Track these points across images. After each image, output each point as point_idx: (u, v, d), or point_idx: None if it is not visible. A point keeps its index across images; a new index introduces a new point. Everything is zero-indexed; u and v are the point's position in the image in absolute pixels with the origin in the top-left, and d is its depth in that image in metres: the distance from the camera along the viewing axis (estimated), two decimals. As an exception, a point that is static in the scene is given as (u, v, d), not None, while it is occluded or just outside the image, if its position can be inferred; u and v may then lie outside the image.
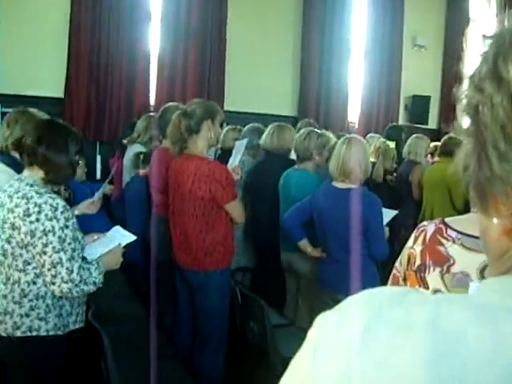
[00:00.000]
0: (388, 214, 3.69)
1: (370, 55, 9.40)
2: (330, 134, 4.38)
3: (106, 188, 4.19)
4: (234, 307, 3.65)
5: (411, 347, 0.51)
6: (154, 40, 7.37)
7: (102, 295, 2.66)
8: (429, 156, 6.45)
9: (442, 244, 1.46)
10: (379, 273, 3.45)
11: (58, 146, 2.39)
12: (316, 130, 4.43)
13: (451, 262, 1.43)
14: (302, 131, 4.34)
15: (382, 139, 6.55)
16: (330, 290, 3.38)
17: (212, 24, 7.72)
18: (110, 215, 4.71)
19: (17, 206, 2.29)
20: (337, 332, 0.58)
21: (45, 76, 6.88)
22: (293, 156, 4.48)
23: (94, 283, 2.39)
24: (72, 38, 6.92)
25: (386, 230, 3.53)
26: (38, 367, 2.39)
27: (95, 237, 2.70)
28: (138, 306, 3.96)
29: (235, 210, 3.39)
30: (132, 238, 2.78)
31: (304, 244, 3.76)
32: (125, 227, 3.11)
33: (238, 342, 3.75)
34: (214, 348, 3.50)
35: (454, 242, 1.45)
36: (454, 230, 1.46)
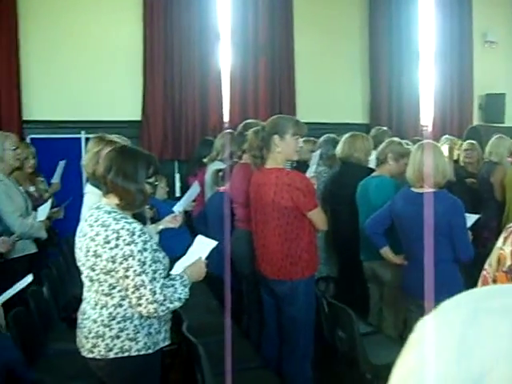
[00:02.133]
0: (470, 219, 3.64)
1: (440, 56, 9.24)
2: (410, 146, 4.35)
3: (190, 205, 4.31)
4: (321, 316, 3.69)
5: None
6: (224, 58, 7.52)
7: (193, 310, 2.74)
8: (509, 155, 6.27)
9: None
10: (463, 277, 3.41)
11: (126, 174, 2.42)
12: (396, 138, 4.42)
13: None
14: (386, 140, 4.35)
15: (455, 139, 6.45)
16: (414, 296, 3.37)
17: (279, 39, 7.83)
18: (192, 231, 4.85)
19: (97, 234, 2.36)
20: (437, 333, 0.60)
21: (122, 101, 7.19)
22: (370, 164, 4.50)
23: (180, 299, 2.43)
24: (146, 62, 7.19)
25: (469, 233, 3.49)
26: None
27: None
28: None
29: (318, 217, 3.44)
30: (214, 243, 2.77)
31: (386, 251, 3.76)
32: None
33: (326, 351, 3.78)
34: (300, 356, 3.54)
35: None
36: None
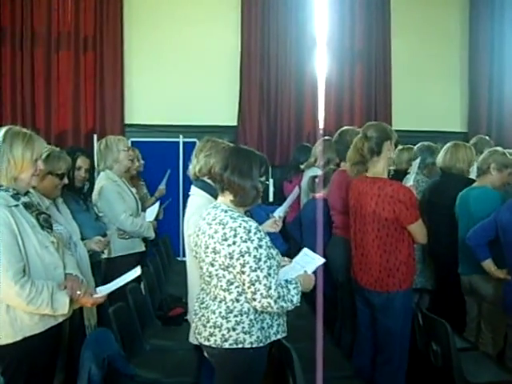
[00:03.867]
0: None
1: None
2: None
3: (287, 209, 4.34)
4: (415, 328, 3.62)
5: None
6: (320, 64, 7.53)
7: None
8: None
9: None
10: None
11: (242, 171, 2.54)
12: (499, 148, 4.27)
13: None
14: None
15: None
16: (513, 313, 3.24)
17: (376, 45, 7.77)
18: (285, 236, 4.88)
19: (215, 231, 2.50)
20: None
21: (220, 107, 7.36)
22: (471, 175, 4.37)
23: (292, 301, 2.51)
24: (243, 68, 7.34)
25: None
26: (242, 375, 2.60)
27: (286, 259, 2.82)
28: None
29: (418, 230, 3.39)
30: (322, 260, 2.81)
31: (488, 264, 3.64)
32: (301, 249, 3.20)
33: (420, 364, 3.70)
34: (394, 368, 3.50)
35: None
36: None
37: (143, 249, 4.54)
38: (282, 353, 2.86)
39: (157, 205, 4.72)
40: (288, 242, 4.94)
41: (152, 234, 4.54)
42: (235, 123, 7.39)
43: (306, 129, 7.42)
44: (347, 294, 3.93)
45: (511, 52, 8.47)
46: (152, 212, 4.63)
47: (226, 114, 7.38)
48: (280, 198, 5.93)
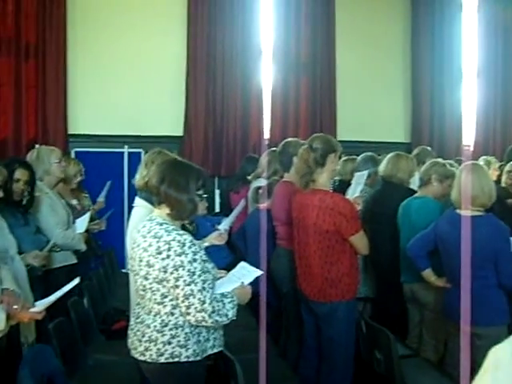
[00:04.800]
0: (515, 243, 3.56)
1: (483, 75, 9.11)
2: (453, 168, 4.30)
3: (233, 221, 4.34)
4: (359, 337, 3.66)
5: None
6: (266, 75, 7.57)
7: (230, 326, 2.75)
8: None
9: None
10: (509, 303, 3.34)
11: (178, 185, 2.54)
12: (440, 159, 4.38)
13: None
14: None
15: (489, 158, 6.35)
16: (455, 320, 3.31)
17: (321, 56, 7.86)
18: (230, 246, 4.87)
19: (150, 245, 2.48)
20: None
21: (166, 117, 7.32)
22: (412, 186, 4.46)
23: (227, 315, 2.50)
24: (189, 79, 7.31)
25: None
26: None
27: (222, 272, 2.82)
28: (263, 337, 4.04)
29: (359, 242, 3.43)
30: (259, 272, 2.83)
31: (428, 273, 3.71)
32: (246, 258, 3.22)
33: (363, 372, 3.74)
34: (339, 378, 3.52)
35: None
36: None
37: (74, 261, 4.42)
38: (227, 365, 2.84)
39: (87, 216, 4.60)
40: (234, 253, 4.92)
41: (83, 247, 4.45)
42: (181, 133, 7.34)
43: (252, 139, 7.44)
44: (292, 304, 3.94)
45: (451, 65, 8.73)
46: (82, 223, 4.51)
47: (172, 125, 7.33)
48: (227, 209, 5.92)
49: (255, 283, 2.95)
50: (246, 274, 2.80)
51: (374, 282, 4.73)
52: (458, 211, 3.41)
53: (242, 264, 2.89)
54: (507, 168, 5.92)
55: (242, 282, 2.71)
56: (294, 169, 3.84)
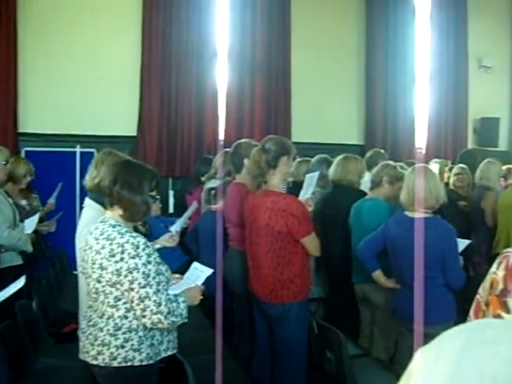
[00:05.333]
0: (461, 244, 3.65)
1: (435, 79, 9.31)
2: (404, 170, 4.37)
3: (185, 223, 4.32)
4: (310, 337, 3.68)
5: (503, 356, 0.59)
6: (221, 76, 7.55)
7: (183, 327, 2.74)
8: (501, 179, 6.30)
9: None
10: (457, 301, 3.41)
11: (131, 186, 2.52)
12: (391, 162, 4.45)
13: None
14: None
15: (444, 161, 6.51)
16: (405, 320, 3.37)
17: (276, 58, 7.88)
18: (184, 248, 4.84)
19: (102, 247, 2.45)
20: (436, 361, 0.64)
21: (119, 117, 7.21)
22: (362, 187, 4.51)
23: (181, 315, 2.50)
24: (143, 78, 7.23)
25: (460, 258, 3.50)
26: None
27: (176, 276, 2.80)
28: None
29: (311, 243, 3.46)
30: (209, 271, 2.84)
31: (378, 275, 3.76)
32: (199, 259, 3.22)
33: (315, 372, 3.76)
34: (292, 378, 3.54)
35: None
36: None
37: (20, 262, 4.35)
38: (177, 368, 2.82)
39: (36, 217, 4.52)
40: (188, 254, 4.90)
41: (29, 248, 4.37)
42: (135, 134, 7.26)
43: (207, 140, 7.41)
44: (244, 305, 3.94)
45: (404, 69, 8.87)
46: (30, 224, 4.43)
47: (126, 124, 7.23)
48: (181, 210, 5.87)
49: (207, 284, 2.96)
50: (199, 274, 2.80)
51: (326, 282, 4.77)
52: (406, 213, 3.47)
53: (195, 264, 2.88)
54: (455, 171, 6.08)
55: (196, 284, 2.72)
56: (245, 170, 3.84)
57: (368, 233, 3.83)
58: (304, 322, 3.55)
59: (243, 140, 4.36)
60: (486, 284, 1.60)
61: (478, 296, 1.63)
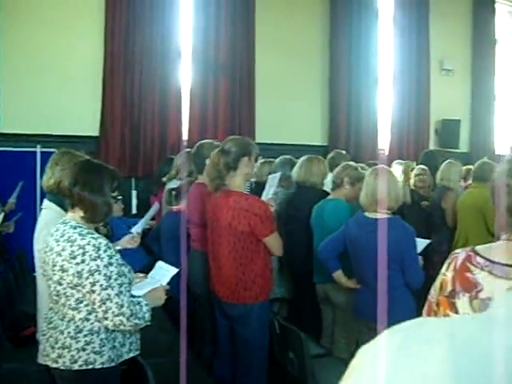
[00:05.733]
0: (421, 244, 3.70)
1: (398, 82, 9.45)
2: (365, 171, 4.42)
3: (147, 224, 4.29)
4: (273, 338, 3.69)
5: (435, 353, 0.60)
6: (184, 76, 7.52)
7: (144, 328, 2.73)
8: (462, 180, 6.41)
9: (470, 271, 1.51)
10: (415, 300, 3.45)
11: (92, 187, 2.49)
12: (352, 163, 4.49)
13: (479, 288, 1.48)
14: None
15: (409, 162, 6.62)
16: (365, 319, 3.40)
17: (240, 59, 7.88)
18: (147, 249, 4.80)
19: (63, 249, 2.41)
20: (373, 361, 0.65)
21: (81, 116, 7.11)
22: (325, 188, 4.54)
23: (144, 318, 2.49)
24: (106, 77, 7.14)
25: (420, 258, 3.55)
26: None
27: (141, 275, 2.78)
28: (178, 340, 4.01)
29: (274, 243, 3.46)
30: (175, 270, 2.82)
31: (339, 275, 3.79)
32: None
33: (277, 372, 3.77)
34: (254, 378, 3.54)
35: (482, 269, 1.50)
36: (483, 257, 1.51)
37: None
38: (138, 370, 2.80)
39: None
40: (151, 255, 4.86)
41: None
42: (97, 133, 7.17)
43: (170, 140, 7.35)
44: (205, 306, 3.93)
45: (368, 70, 8.98)
46: None
47: (88, 124, 7.13)
48: (144, 211, 5.83)
49: (170, 286, 2.94)
50: (164, 273, 2.79)
51: (289, 282, 4.79)
52: (366, 214, 3.51)
53: (159, 264, 2.87)
54: (416, 171, 6.17)
55: (161, 284, 2.70)
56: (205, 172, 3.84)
57: (329, 233, 3.85)
58: (266, 322, 3.56)
59: (206, 140, 4.35)
60: (436, 285, 1.62)
61: (429, 297, 1.65)
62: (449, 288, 1.55)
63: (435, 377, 0.58)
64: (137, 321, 2.44)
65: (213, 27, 7.72)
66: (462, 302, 1.51)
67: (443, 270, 1.61)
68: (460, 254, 1.58)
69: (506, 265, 1.42)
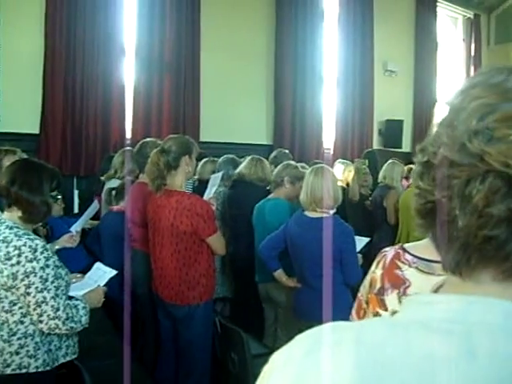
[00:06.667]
0: (361, 242, 3.76)
1: (342, 83, 9.58)
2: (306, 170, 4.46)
3: (87, 223, 4.22)
4: (214, 337, 3.68)
5: (342, 359, 0.60)
6: (128, 74, 7.41)
7: (83, 331, 2.68)
8: (403, 180, 6.56)
9: (399, 268, 1.54)
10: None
11: (31, 186, 2.44)
12: (292, 162, 4.53)
13: (407, 284, 1.51)
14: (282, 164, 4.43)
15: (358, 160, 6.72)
16: (305, 318, 3.43)
17: (185, 56, 7.80)
18: (87, 250, 4.72)
19: None
20: (283, 366, 0.64)
21: (21, 113, 6.90)
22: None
23: (80, 322, 2.45)
24: (46, 74, 6.95)
25: (359, 256, 3.60)
26: None
27: (78, 276, 2.74)
28: (118, 341, 3.96)
29: (217, 242, 3.45)
30: (113, 272, 2.82)
31: (279, 274, 3.81)
32: (101, 262, 3.16)
33: (220, 372, 3.77)
34: (197, 379, 3.53)
35: (409, 265, 1.53)
36: (411, 254, 1.55)
37: None
38: (76, 374, 2.75)
39: None
40: (91, 255, 4.77)
41: None
42: (37, 131, 6.98)
43: (113, 138, 7.21)
44: (147, 306, 3.89)
45: (313, 71, 9.06)
46: None
47: (27, 121, 6.92)
48: (85, 210, 5.73)
49: (108, 286, 2.91)
50: (101, 275, 2.77)
51: (231, 282, 4.79)
52: (306, 213, 3.54)
53: (97, 265, 2.88)
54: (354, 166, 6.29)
55: (98, 285, 2.68)
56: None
57: (270, 232, 3.87)
58: (209, 322, 3.55)
59: (148, 139, 4.31)
60: (366, 283, 1.65)
61: (359, 294, 1.68)
62: (378, 285, 1.58)
63: (341, 383, 0.58)
64: (73, 324, 2.40)
65: (157, 25, 7.62)
66: (391, 298, 1.53)
67: (373, 267, 1.64)
68: (389, 252, 1.61)
69: (433, 261, 1.45)
